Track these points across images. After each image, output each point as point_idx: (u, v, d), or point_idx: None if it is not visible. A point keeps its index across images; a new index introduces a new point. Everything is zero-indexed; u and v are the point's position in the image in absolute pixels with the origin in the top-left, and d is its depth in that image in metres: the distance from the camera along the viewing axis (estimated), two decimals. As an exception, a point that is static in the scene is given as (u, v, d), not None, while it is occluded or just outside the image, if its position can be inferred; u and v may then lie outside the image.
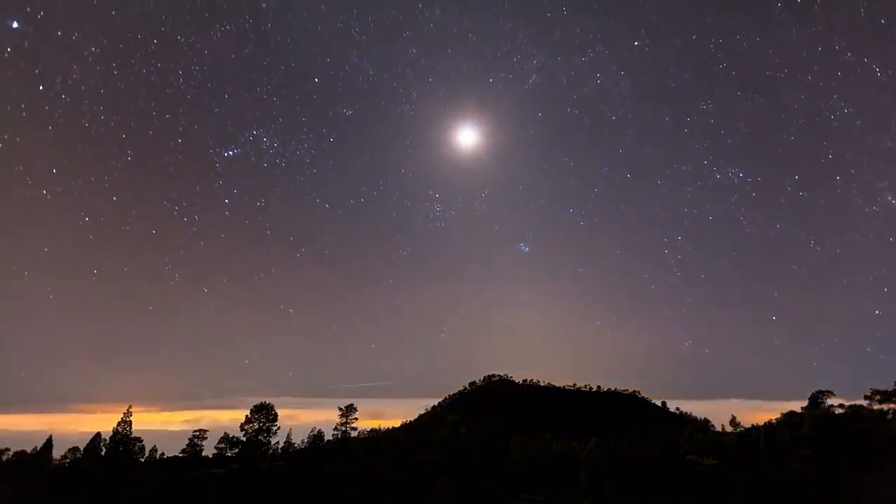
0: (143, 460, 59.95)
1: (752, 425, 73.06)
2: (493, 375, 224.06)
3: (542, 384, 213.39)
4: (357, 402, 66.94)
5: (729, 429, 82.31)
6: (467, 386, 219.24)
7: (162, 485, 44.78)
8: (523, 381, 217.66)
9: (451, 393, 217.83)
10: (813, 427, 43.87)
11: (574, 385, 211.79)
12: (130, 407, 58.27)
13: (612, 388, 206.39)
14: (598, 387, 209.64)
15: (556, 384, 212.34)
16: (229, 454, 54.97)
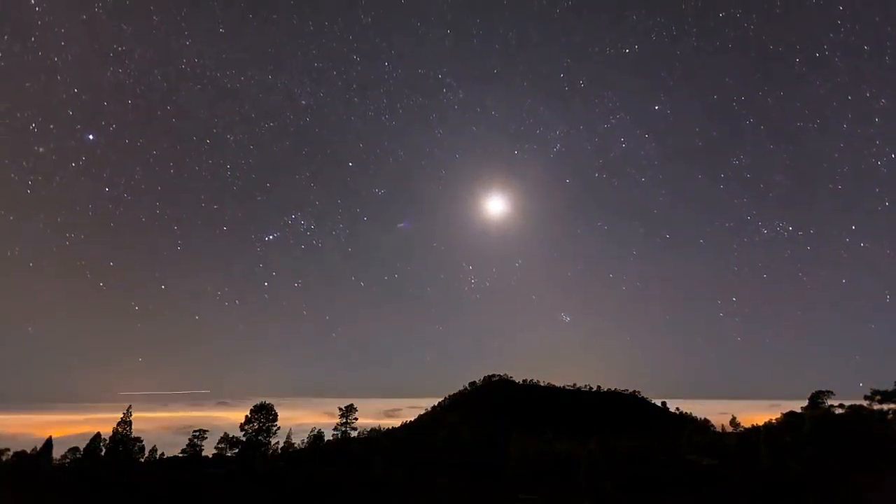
0: (143, 460, 59.92)
1: (752, 425, 73.07)
2: (493, 375, 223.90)
3: (542, 384, 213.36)
4: (357, 403, 67.08)
5: (729, 429, 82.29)
6: (467, 386, 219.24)
7: (162, 485, 44.76)
8: (523, 381, 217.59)
9: (451, 393, 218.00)
10: (813, 427, 43.86)
11: (574, 385, 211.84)
12: (130, 407, 58.33)
13: (612, 388, 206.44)
14: (598, 387, 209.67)
15: (556, 384, 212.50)
16: (229, 454, 54.98)
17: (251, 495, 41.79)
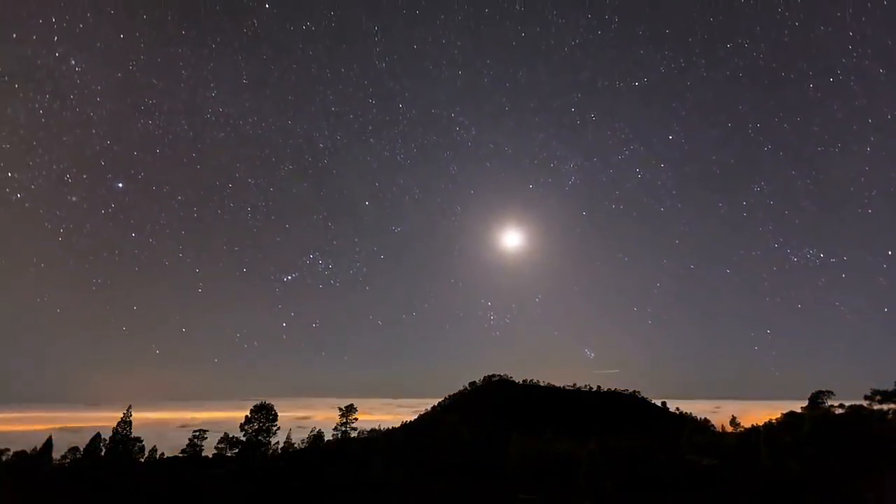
0: (143, 460, 59.91)
1: (752, 425, 73.03)
2: (493, 375, 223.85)
3: (542, 384, 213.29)
4: (358, 403, 66.98)
5: (729, 429, 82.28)
6: (467, 386, 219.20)
7: (162, 485, 44.78)
8: (523, 381, 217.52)
9: (451, 393, 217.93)
10: (813, 427, 43.82)
11: (574, 385, 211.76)
12: (130, 407, 58.32)
13: (612, 388, 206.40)
14: (598, 387, 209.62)
15: (556, 384, 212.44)
16: (229, 454, 54.91)
17: (251, 495, 41.80)
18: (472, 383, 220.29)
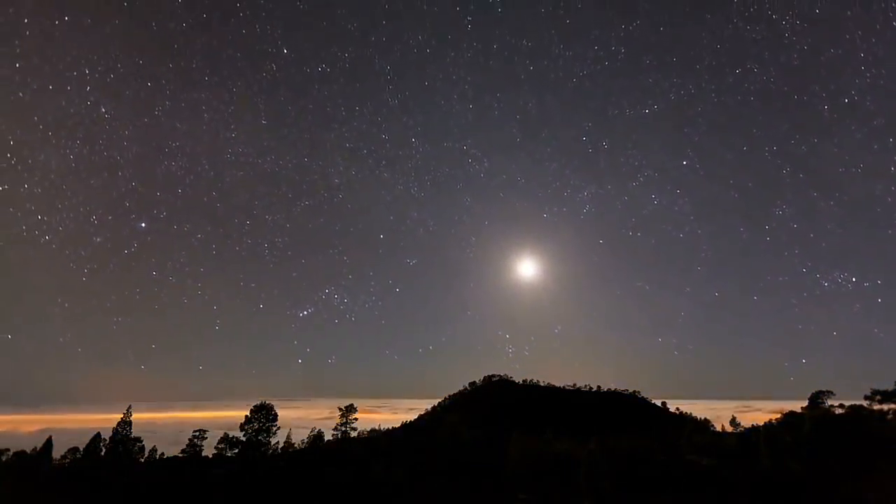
0: (143, 460, 59.92)
1: (752, 425, 73.07)
2: (493, 375, 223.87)
3: (542, 384, 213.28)
4: (357, 403, 67.00)
5: (729, 429, 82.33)
6: (467, 386, 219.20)
7: (162, 485, 44.76)
8: (523, 381, 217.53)
9: (451, 393, 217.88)
10: (813, 427, 43.80)
11: (574, 385, 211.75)
12: (130, 407, 58.33)
13: (612, 388, 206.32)
14: (598, 387, 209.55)
15: (556, 384, 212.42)
16: (229, 454, 54.89)
17: (251, 495, 41.80)
18: (472, 383, 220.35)
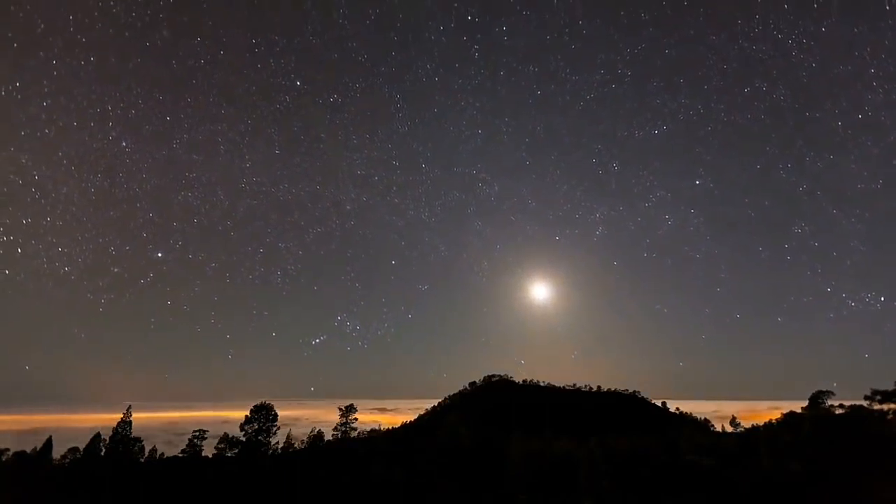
0: (143, 460, 59.87)
1: (752, 425, 73.14)
2: (493, 375, 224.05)
3: (542, 384, 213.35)
4: (357, 403, 66.99)
5: (729, 429, 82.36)
6: (467, 386, 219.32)
7: (162, 485, 44.76)
8: (523, 381, 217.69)
9: (452, 393, 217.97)
10: (813, 427, 43.77)
11: (574, 385, 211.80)
12: (130, 407, 58.32)
13: (612, 388, 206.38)
14: (598, 387, 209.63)
15: (556, 384, 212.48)
16: (229, 454, 54.88)
17: (251, 495, 41.80)
18: (472, 383, 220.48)
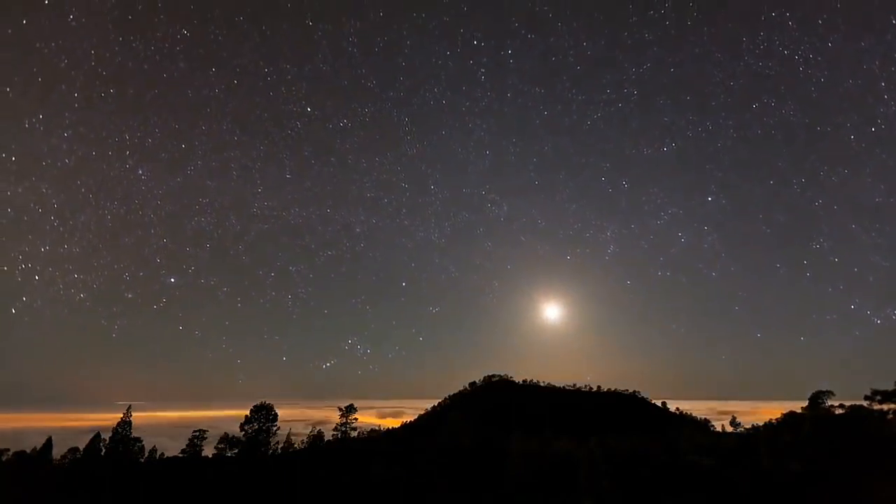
0: (143, 460, 59.87)
1: (752, 425, 73.13)
2: (493, 375, 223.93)
3: (542, 384, 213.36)
4: (357, 403, 66.99)
5: (729, 429, 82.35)
6: (467, 386, 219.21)
7: (162, 485, 44.76)
8: (523, 381, 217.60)
9: (452, 393, 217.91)
10: (813, 427, 43.77)
11: (574, 385, 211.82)
12: (130, 407, 58.32)
13: (612, 388, 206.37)
14: (598, 387, 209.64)
15: (556, 384, 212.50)
16: (229, 454, 54.89)
17: (251, 495, 41.80)
18: (472, 383, 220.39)
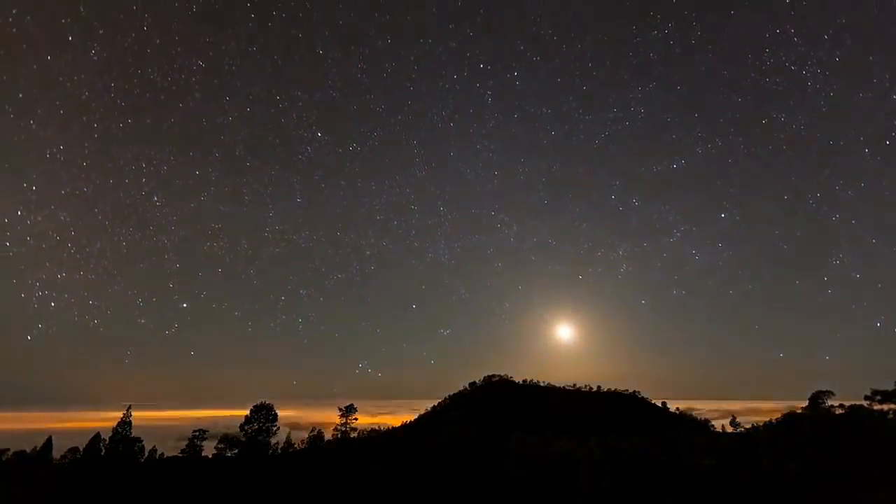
0: (143, 460, 59.85)
1: (752, 425, 73.14)
2: (493, 375, 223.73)
3: (542, 384, 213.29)
4: (356, 403, 67.02)
5: (729, 429, 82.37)
6: (467, 386, 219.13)
7: (162, 485, 44.76)
8: (523, 381, 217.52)
9: (452, 393, 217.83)
10: (813, 427, 43.79)
11: (574, 385, 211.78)
12: (130, 407, 58.31)
13: (612, 389, 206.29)
14: (598, 387, 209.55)
15: (556, 384, 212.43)
16: (229, 454, 54.89)
17: (251, 495, 41.80)
18: (472, 383, 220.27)
